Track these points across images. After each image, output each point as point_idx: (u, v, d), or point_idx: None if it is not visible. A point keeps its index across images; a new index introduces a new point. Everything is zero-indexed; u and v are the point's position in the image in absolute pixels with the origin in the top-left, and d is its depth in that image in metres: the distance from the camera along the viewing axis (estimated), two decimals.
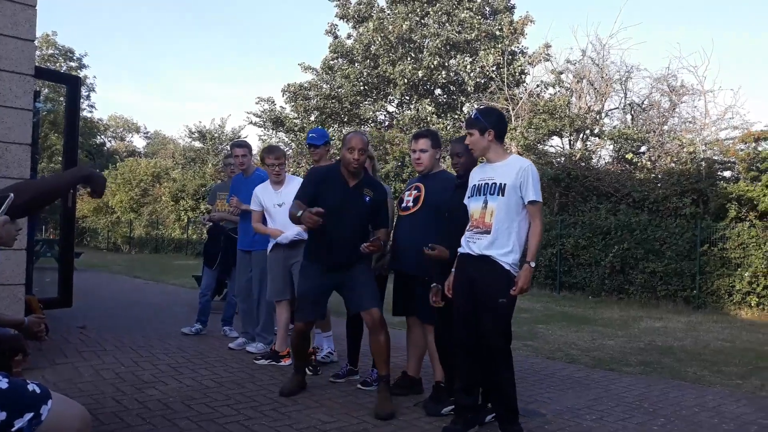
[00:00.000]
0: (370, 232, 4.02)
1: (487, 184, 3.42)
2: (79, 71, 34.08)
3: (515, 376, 3.43)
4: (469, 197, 3.51)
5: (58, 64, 33.31)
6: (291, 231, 4.74)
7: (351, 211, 3.88)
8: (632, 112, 19.17)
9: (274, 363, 4.93)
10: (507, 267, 3.31)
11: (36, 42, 4.61)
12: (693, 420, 3.94)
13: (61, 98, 24.23)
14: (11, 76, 4.40)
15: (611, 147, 17.92)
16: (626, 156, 16.58)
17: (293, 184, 4.79)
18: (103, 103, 56.82)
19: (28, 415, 1.71)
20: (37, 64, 4.67)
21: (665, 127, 17.61)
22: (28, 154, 4.52)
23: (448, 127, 19.56)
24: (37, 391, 1.78)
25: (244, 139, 5.90)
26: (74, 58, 34.97)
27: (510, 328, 3.39)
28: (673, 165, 15.08)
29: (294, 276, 4.72)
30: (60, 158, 6.06)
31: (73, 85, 6.11)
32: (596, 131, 18.27)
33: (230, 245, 6.09)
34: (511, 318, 3.41)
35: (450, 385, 3.77)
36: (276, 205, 4.87)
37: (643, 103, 18.94)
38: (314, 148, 4.94)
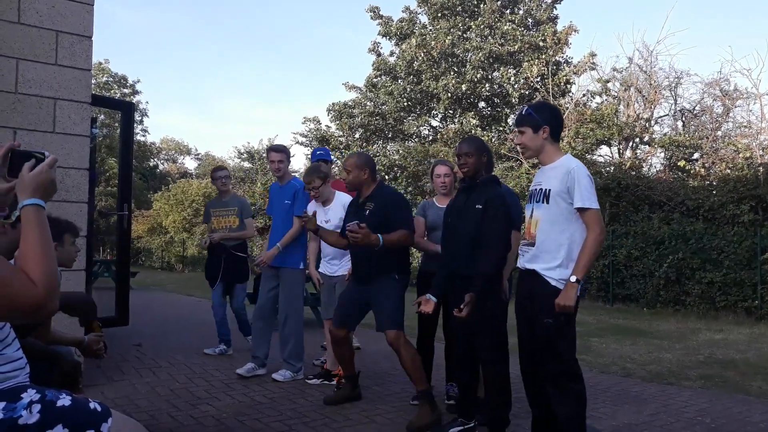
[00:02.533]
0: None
1: (536, 190, 3.13)
2: (132, 97, 35.34)
3: None
4: (526, 206, 3.31)
5: (112, 91, 34.62)
6: (337, 268, 4.92)
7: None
8: (683, 118, 18.70)
9: (325, 381, 4.88)
10: (554, 283, 2.97)
11: (91, 71, 4.82)
12: None
13: (116, 124, 25.13)
14: (70, 105, 4.61)
15: (662, 155, 17.51)
16: (678, 163, 16.15)
17: (339, 200, 4.82)
18: (155, 127, 58.72)
19: None
20: (93, 91, 4.87)
21: (719, 133, 17.09)
22: (86, 179, 4.71)
23: (493, 140, 19.43)
24: (98, 409, 1.84)
25: (282, 144, 5.54)
26: (127, 84, 36.33)
27: (567, 355, 2.99)
28: (728, 171, 14.59)
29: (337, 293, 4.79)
30: (116, 181, 6.25)
31: (127, 111, 6.34)
32: (646, 139, 17.86)
33: (232, 263, 6.07)
34: (568, 344, 3.03)
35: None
36: (324, 221, 4.79)
37: (694, 109, 18.46)
38: (324, 164, 5.28)
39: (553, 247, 3.00)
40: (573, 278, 2.91)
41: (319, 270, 5.07)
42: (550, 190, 3.03)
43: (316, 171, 4.87)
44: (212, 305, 6.28)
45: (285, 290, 5.04)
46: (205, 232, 6.77)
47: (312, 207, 4.91)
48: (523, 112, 3.19)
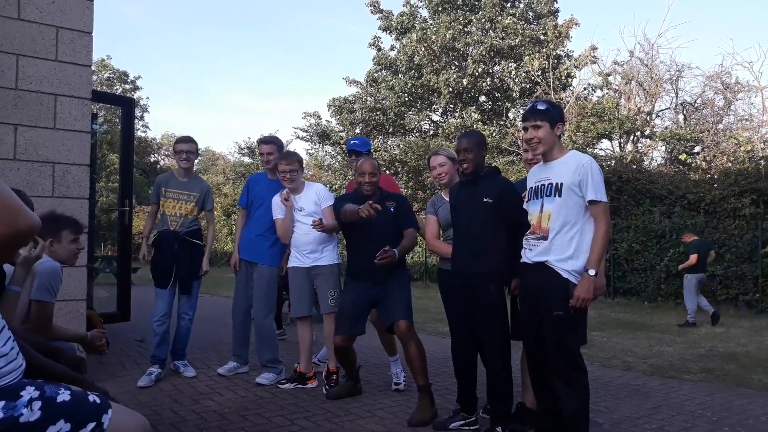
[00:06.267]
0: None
1: (543, 185, 3.11)
2: (133, 93, 35.34)
3: None
4: (527, 201, 3.27)
5: (114, 88, 34.60)
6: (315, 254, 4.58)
7: (379, 226, 3.98)
8: (684, 111, 18.68)
9: (300, 386, 4.58)
10: (565, 275, 2.98)
11: (92, 67, 4.81)
12: (761, 429, 3.78)
13: (117, 119, 25.14)
14: (70, 101, 4.61)
15: (663, 148, 17.51)
16: (680, 157, 16.16)
17: (311, 190, 4.61)
18: (156, 123, 58.78)
19: (91, 425, 1.78)
20: (94, 87, 4.85)
21: (720, 126, 17.09)
22: (87, 175, 4.71)
23: (494, 134, 19.41)
24: (98, 401, 1.84)
25: (273, 135, 5.22)
26: (128, 80, 36.33)
27: (575, 349, 3.01)
28: (729, 164, 14.60)
29: (318, 289, 4.59)
30: (117, 177, 6.11)
31: (127, 107, 6.33)
32: (647, 133, 17.84)
33: (186, 253, 4.91)
34: (576, 337, 3.07)
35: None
36: (297, 209, 4.56)
37: (695, 102, 18.44)
38: (356, 155, 4.81)
39: (565, 240, 3.02)
40: (591, 271, 2.95)
41: (292, 266, 4.63)
42: (562, 183, 3.03)
43: (295, 155, 4.66)
44: (155, 314, 4.91)
45: (257, 287, 4.83)
46: (146, 220, 5.28)
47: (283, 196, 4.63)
48: (541, 107, 3.14)
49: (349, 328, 4.06)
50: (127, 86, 35.99)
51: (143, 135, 38.10)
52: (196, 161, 5.21)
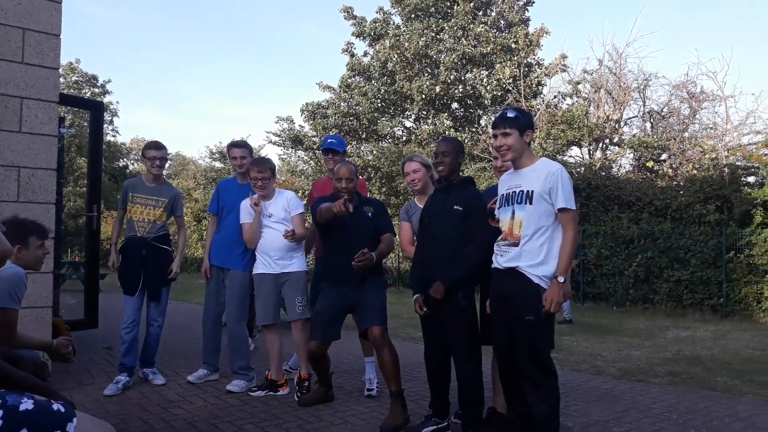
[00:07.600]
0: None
1: (515, 192, 3.15)
2: (102, 97, 34.76)
3: None
4: (498, 208, 3.29)
5: (83, 92, 34.00)
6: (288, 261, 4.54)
7: (356, 230, 4.01)
8: (651, 120, 19.05)
9: (271, 393, 4.54)
10: (536, 280, 3.02)
11: (60, 70, 4.73)
12: (725, 431, 3.86)
13: (86, 123, 24.70)
14: (37, 104, 4.52)
15: (631, 155, 17.82)
16: (647, 164, 16.47)
17: (282, 197, 4.59)
18: (125, 127, 57.95)
19: None
20: (62, 91, 4.76)
21: (686, 134, 17.47)
22: (54, 179, 4.62)
23: (467, 141, 19.55)
24: (62, 410, 1.82)
25: (243, 140, 5.32)
26: (98, 84, 35.71)
27: (546, 354, 3.05)
28: (695, 172, 14.92)
29: (286, 296, 4.55)
30: (85, 181, 6.02)
31: (96, 111, 6.23)
32: (616, 140, 18.16)
33: (155, 259, 4.86)
34: (549, 342, 3.14)
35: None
36: (266, 215, 4.53)
37: (662, 110, 18.82)
38: (333, 155, 4.85)
39: (536, 246, 3.06)
40: (561, 278, 2.99)
41: (259, 272, 4.58)
42: (533, 191, 3.08)
43: (268, 161, 4.61)
44: (126, 321, 4.84)
45: (230, 293, 4.78)
46: (113, 226, 5.31)
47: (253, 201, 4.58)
48: (510, 115, 3.17)
49: (325, 334, 4.04)
50: (96, 90, 35.39)
51: (112, 139, 37.50)
52: (165, 166, 5.21)
